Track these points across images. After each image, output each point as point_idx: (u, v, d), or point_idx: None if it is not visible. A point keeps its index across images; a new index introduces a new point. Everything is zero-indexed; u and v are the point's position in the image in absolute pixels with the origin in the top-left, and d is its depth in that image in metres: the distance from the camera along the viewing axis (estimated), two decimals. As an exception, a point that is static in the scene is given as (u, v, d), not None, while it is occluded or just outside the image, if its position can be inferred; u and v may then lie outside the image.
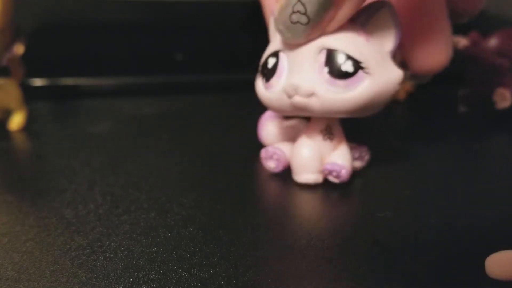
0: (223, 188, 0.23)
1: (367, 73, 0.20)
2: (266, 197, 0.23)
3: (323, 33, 0.20)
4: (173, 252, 0.18)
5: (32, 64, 0.31)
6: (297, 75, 0.20)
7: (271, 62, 0.21)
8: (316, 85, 0.20)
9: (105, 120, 0.31)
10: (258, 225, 0.20)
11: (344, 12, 0.19)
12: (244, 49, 0.35)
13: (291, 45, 0.21)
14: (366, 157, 0.25)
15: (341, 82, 0.20)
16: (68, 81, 0.36)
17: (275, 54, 0.21)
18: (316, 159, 0.23)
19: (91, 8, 0.48)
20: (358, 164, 0.24)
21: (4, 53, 0.28)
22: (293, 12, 0.19)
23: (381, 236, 0.20)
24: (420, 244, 0.19)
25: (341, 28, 0.20)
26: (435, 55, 0.23)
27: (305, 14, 0.19)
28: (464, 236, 0.20)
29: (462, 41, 0.33)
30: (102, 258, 0.18)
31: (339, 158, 0.23)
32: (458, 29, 0.35)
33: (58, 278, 0.17)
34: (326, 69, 0.20)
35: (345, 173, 0.22)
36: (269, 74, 0.21)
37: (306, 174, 0.23)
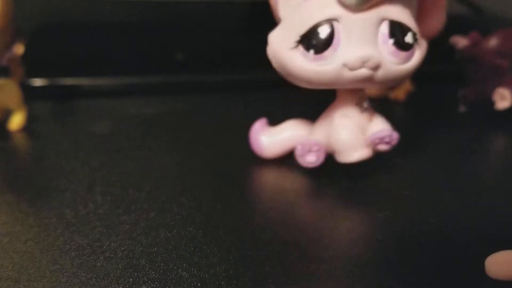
0: (223, 188, 0.23)
1: (418, 43, 0.21)
2: (266, 197, 0.23)
3: None
4: (173, 252, 0.18)
5: (32, 64, 0.31)
6: (361, 46, 0.20)
7: (324, 31, 0.19)
8: (383, 57, 0.20)
9: (105, 120, 0.31)
10: (257, 225, 0.20)
11: None
12: (244, 49, 0.35)
13: (346, 15, 0.19)
14: (393, 142, 0.24)
15: (403, 54, 0.20)
16: (68, 81, 0.36)
17: (325, 24, 0.19)
18: (360, 134, 0.22)
19: (91, 8, 0.48)
20: (385, 147, 0.23)
21: (4, 53, 0.28)
22: None
23: (381, 236, 0.20)
24: (420, 244, 0.19)
25: None
26: (437, 21, 0.23)
27: None
28: (464, 236, 0.20)
29: (462, 41, 0.32)
30: (102, 258, 0.18)
31: (382, 124, 0.22)
32: (458, 29, 0.35)
33: (58, 278, 0.17)
34: (391, 41, 0.20)
35: (396, 135, 0.22)
36: (321, 45, 0.19)
37: (356, 151, 0.22)
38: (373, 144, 0.22)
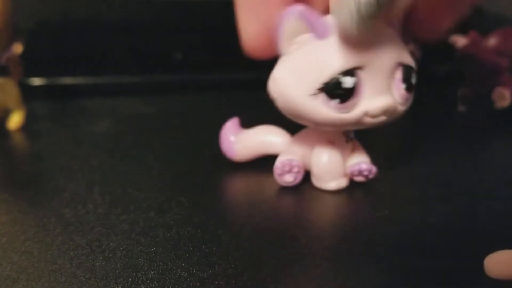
0: (222, 188, 0.23)
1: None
2: (265, 196, 0.23)
3: (391, 11, 0.19)
4: (172, 252, 0.18)
5: (30, 63, 0.31)
6: (381, 95, 0.19)
7: (350, 81, 0.19)
8: (398, 102, 0.20)
9: (104, 120, 0.31)
10: (257, 225, 0.20)
11: None
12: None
13: (369, 62, 0.19)
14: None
15: (409, 95, 0.20)
16: (67, 80, 0.36)
17: (350, 73, 0.19)
18: (341, 163, 0.22)
19: (91, 7, 0.48)
20: None
21: (3, 52, 0.28)
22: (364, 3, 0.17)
23: (381, 236, 0.20)
24: (419, 244, 0.19)
25: (396, 38, 0.20)
26: (448, 17, 0.22)
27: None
28: (463, 236, 0.20)
29: (462, 40, 0.33)
30: (101, 258, 0.18)
31: (363, 157, 0.23)
32: (458, 28, 0.35)
33: (57, 278, 0.17)
34: (403, 86, 0.20)
35: (374, 169, 0.23)
36: (346, 95, 0.19)
37: (333, 180, 0.22)
38: (351, 175, 0.23)
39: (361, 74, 0.19)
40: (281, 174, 0.23)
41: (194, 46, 0.42)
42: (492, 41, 0.31)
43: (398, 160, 0.26)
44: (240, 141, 0.24)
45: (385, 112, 0.20)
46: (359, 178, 0.23)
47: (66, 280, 0.17)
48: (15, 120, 0.30)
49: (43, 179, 0.24)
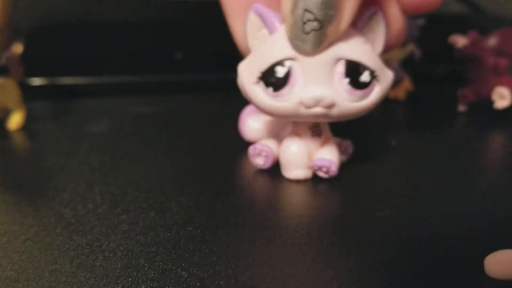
0: (223, 188, 0.23)
1: (377, 80, 0.21)
2: (265, 196, 0.23)
3: (338, 34, 0.20)
4: (172, 252, 0.18)
5: (31, 63, 0.31)
6: (316, 86, 0.20)
7: (281, 71, 0.20)
8: (338, 95, 0.20)
9: (104, 120, 0.31)
10: (257, 225, 0.20)
11: (349, 9, 0.19)
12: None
13: (306, 55, 0.20)
14: (349, 150, 0.25)
15: (359, 92, 0.21)
16: (67, 80, 0.36)
17: (283, 63, 0.20)
18: (305, 155, 0.23)
19: (90, 7, 0.48)
20: (342, 157, 0.25)
21: (3, 52, 0.28)
22: (304, 23, 0.19)
23: (381, 235, 0.20)
24: (419, 244, 0.19)
25: (349, 36, 0.20)
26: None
27: (315, 20, 0.19)
28: (463, 236, 0.20)
29: (462, 40, 0.33)
30: (101, 258, 0.18)
31: (328, 154, 0.23)
32: (458, 28, 0.35)
33: (57, 278, 0.17)
34: (346, 80, 0.20)
35: (334, 168, 0.23)
36: (278, 83, 0.20)
37: (295, 170, 0.23)
38: (313, 169, 0.23)
39: (294, 65, 0.20)
40: (253, 156, 0.24)
41: (194, 46, 0.42)
42: (492, 41, 0.31)
43: (398, 159, 0.26)
44: (254, 123, 0.26)
45: (319, 103, 0.20)
46: (321, 174, 0.24)
47: (66, 280, 0.17)
48: (15, 120, 0.30)
49: (43, 179, 0.24)
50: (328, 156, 0.23)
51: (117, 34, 0.43)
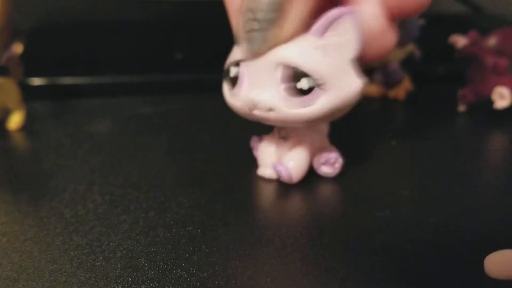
0: (223, 188, 0.23)
1: (323, 89, 0.20)
2: (265, 196, 0.23)
3: (281, 39, 0.20)
4: (172, 252, 0.18)
5: (30, 63, 0.31)
6: (255, 89, 0.21)
7: (233, 71, 0.21)
8: (274, 101, 0.20)
9: (104, 120, 0.31)
10: (257, 225, 0.20)
11: (295, 14, 0.19)
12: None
13: (251, 56, 0.20)
14: (337, 164, 0.24)
15: (296, 99, 0.20)
16: (67, 80, 0.36)
17: (237, 64, 0.21)
18: (271, 155, 0.24)
19: (90, 7, 0.48)
20: (327, 170, 0.24)
21: (3, 52, 0.28)
22: (246, 21, 0.19)
23: (381, 235, 0.20)
24: (419, 244, 0.19)
25: (298, 41, 0.20)
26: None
27: (255, 20, 0.19)
28: (463, 236, 0.20)
29: (461, 40, 0.32)
30: (101, 258, 0.18)
31: (289, 159, 0.23)
32: (457, 28, 0.35)
33: (57, 277, 0.17)
34: (282, 86, 0.20)
35: (285, 175, 0.23)
36: (232, 82, 0.22)
37: (261, 168, 0.24)
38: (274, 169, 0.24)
39: (243, 66, 0.21)
40: (252, 147, 0.25)
41: (194, 46, 0.42)
42: (492, 41, 0.31)
43: (398, 159, 0.26)
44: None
45: (256, 106, 0.21)
46: (280, 176, 0.23)
47: (66, 280, 0.17)
48: (15, 120, 0.30)
49: (43, 179, 0.24)
50: (287, 162, 0.23)
51: (117, 34, 0.43)
